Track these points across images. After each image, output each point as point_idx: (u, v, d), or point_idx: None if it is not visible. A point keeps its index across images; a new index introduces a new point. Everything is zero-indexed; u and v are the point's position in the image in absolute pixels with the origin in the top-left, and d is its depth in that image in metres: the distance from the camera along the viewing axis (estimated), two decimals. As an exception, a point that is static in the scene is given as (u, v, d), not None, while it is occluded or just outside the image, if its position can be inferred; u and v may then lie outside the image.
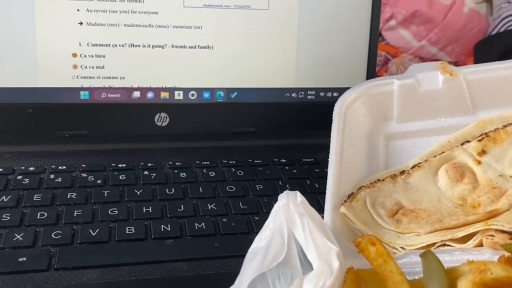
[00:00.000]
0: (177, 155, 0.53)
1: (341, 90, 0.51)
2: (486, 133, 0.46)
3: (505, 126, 0.46)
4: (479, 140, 0.45)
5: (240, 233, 0.42)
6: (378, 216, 0.42)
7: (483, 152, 0.45)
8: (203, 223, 0.42)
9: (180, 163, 0.51)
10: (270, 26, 0.55)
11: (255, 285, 0.31)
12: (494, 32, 1.09)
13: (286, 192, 0.34)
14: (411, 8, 1.10)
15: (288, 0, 0.55)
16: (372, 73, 0.59)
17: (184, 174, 0.50)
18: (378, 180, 0.45)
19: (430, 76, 0.49)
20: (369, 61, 0.58)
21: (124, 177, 0.48)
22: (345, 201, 0.42)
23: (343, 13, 0.56)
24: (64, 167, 0.49)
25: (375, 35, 0.58)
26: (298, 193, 0.34)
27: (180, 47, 0.54)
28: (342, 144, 0.46)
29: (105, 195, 0.45)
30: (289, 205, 0.34)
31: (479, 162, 0.44)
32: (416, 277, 0.33)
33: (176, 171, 0.50)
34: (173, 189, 0.47)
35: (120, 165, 0.50)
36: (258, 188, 0.48)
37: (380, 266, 0.30)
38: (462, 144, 0.46)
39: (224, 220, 0.43)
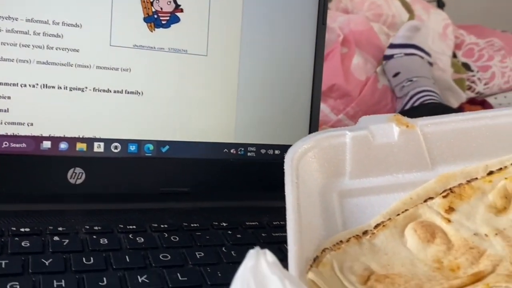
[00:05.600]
0: (96, 218, 0.44)
1: (284, 148, 0.46)
2: (450, 189, 0.42)
3: (469, 181, 0.42)
4: (444, 197, 0.41)
5: (182, 310, 0.34)
6: (349, 283, 0.35)
7: (450, 210, 0.40)
8: (132, 300, 0.34)
9: (99, 228, 0.42)
10: (208, 74, 0.49)
11: None
12: (407, 108, 1.12)
13: (256, 250, 0.27)
14: (329, 81, 1.10)
15: (229, 46, 0.50)
16: (315, 130, 0.54)
17: (105, 240, 0.40)
18: (341, 241, 0.39)
19: (384, 128, 0.45)
20: (312, 118, 0.54)
21: (28, 244, 0.38)
22: (311, 266, 0.36)
23: (286, 65, 0.52)
24: None
25: (318, 91, 0.54)
26: (267, 251, 0.27)
27: (104, 91, 0.46)
28: (298, 200, 0.40)
29: (3, 266, 0.34)
30: (259, 267, 0.26)
31: (449, 220, 0.40)
32: None
33: (94, 236, 0.41)
34: (92, 259, 0.38)
35: (22, 229, 0.40)
36: (198, 256, 0.40)
37: None
38: (425, 201, 0.42)
39: (160, 294, 0.34)
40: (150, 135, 0.48)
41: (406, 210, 0.42)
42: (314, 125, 0.54)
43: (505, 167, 0.43)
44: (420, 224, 0.40)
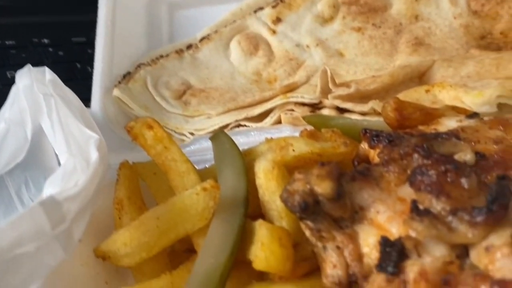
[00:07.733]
0: None
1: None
2: (280, -1, 0.40)
3: (301, -10, 0.41)
4: (273, 7, 0.40)
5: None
6: (161, 99, 0.35)
7: (278, 20, 0.39)
8: None
9: None
10: None
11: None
12: None
13: (27, 68, 0.24)
14: None
15: None
16: None
17: None
18: (161, 56, 0.37)
19: None
20: None
21: None
22: (119, 83, 0.34)
23: None
24: None
25: None
26: (46, 69, 0.25)
27: None
28: (114, 12, 0.37)
29: None
30: (33, 86, 0.24)
31: (274, 32, 0.39)
32: (207, 165, 0.28)
33: None
34: None
35: None
36: (10, 76, 0.37)
37: (160, 155, 0.23)
38: (255, 11, 0.40)
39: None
40: None
41: (234, 21, 0.40)
42: None
43: (338, -26, 0.41)
44: (245, 36, 0.39)
